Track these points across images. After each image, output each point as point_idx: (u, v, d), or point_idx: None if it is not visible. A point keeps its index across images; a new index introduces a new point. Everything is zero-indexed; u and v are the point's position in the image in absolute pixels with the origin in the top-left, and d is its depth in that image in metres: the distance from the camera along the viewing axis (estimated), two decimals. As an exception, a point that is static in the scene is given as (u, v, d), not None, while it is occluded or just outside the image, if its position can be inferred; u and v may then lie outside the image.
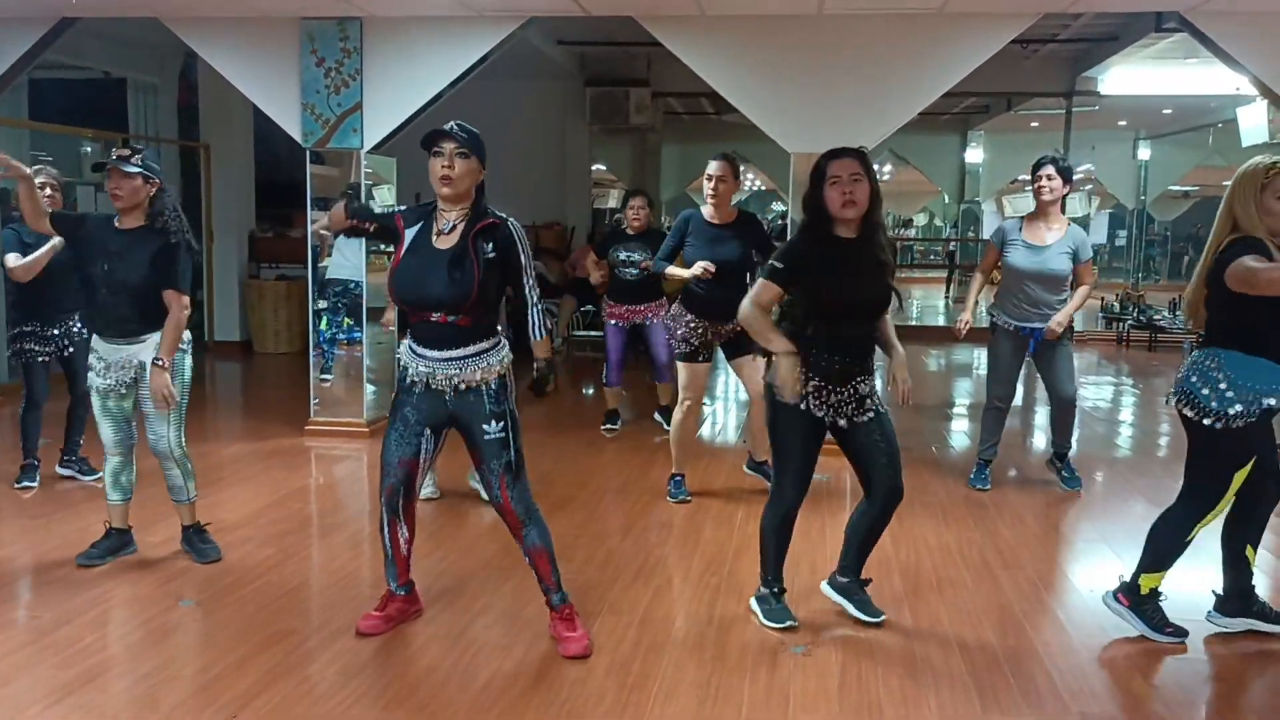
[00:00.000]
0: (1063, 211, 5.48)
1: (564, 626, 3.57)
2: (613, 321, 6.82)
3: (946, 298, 18.31)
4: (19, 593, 4.06)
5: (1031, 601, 4.08)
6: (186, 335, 4.20)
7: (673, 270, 5.43)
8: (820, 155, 3.49)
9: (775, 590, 3.78)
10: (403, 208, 3.61)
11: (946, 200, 20.96)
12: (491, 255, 3.37)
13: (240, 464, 6.08)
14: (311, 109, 6.56)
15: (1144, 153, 16.79)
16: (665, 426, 6.48)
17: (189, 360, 4.19)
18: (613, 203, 18.31)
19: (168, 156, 10.79)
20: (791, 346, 3.44)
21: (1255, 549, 3.75)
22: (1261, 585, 4.01)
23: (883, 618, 3.77)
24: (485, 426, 3.45)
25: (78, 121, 10.33)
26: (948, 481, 5.88)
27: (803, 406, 3.51)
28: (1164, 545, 3.69)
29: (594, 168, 16.53)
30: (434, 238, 3.42)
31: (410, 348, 3.51)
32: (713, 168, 5.13)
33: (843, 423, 3.54)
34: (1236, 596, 3.78)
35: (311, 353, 6.96)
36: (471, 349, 3.43)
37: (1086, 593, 4.22)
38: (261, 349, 10.32)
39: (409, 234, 3.46)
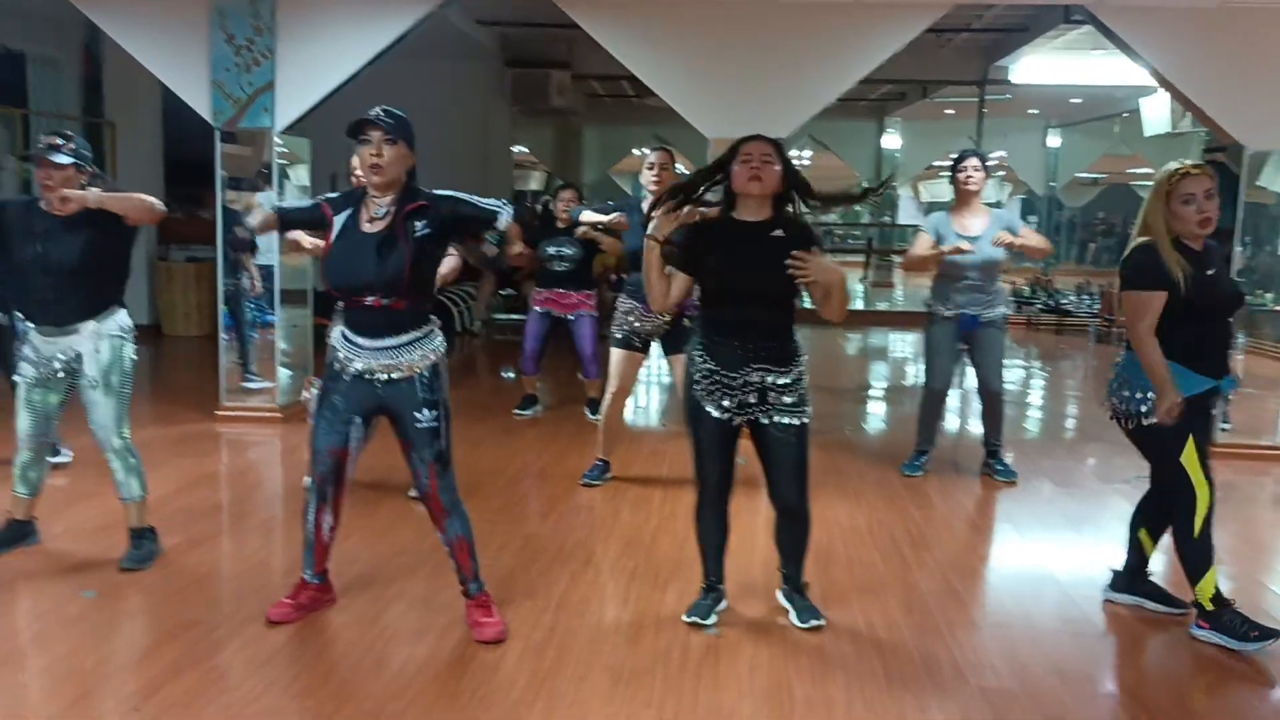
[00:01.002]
0: None
1: (480, 613, 3.57)
2: (537, 309, 6.79)
3: (863, 281, 18.58)
4: (-89, 586, 3.90)
5: (937, 580, 4.19)
6: (128, 322, 4.08)
7: (588, 215, 5.61)
8: (737, 139, 3.51)
9: (703, 586, 3.77)
10: (329, 195, 3.56)
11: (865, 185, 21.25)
12: (425, 233, 3.34)
13: (148, 450, 5.81)
14: (221, 87, 6.41)
15: (1053, 140, 17.23)
16: (592, 418, 6.49)
17: (130, 349, 4.05)
18: (534, 185, 18.24)
19: (71, 133, 10.44)
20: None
21: (1152, 535, 3.87)
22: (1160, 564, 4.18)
23: (815, 623, 3.63)
24: (417, 414, 3.43)
25: (-29, 95, 9.95)
26: (859, 463, 6.00)
27: (699, 398, 3.49)
28: (1187, 554, 3.63)
29: (516, 149, 16.43)
30: (364, 223, 3.38)
31: (343, 334, 3.46)
32: (653, 157, 5.21)
33: (753, 417, 3.48)
34: (1127, 574, 3.94)
35: (222, 336, 6.83)
36: (405, 337, 3.41)
37: (988, 571, 4.36)
38: (171, 332, 10.08)
39: (338, 221, 3.42)
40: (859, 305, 16.46)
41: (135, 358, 4.11)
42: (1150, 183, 3.64)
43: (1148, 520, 3.88)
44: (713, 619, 3.66)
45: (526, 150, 17.13)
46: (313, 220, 3.48)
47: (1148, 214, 3.57)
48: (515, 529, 4.68)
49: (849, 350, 11.79)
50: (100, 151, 10.17)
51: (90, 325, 3.93)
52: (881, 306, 16.45)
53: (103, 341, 3.95)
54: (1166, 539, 3.83)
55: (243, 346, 6.91)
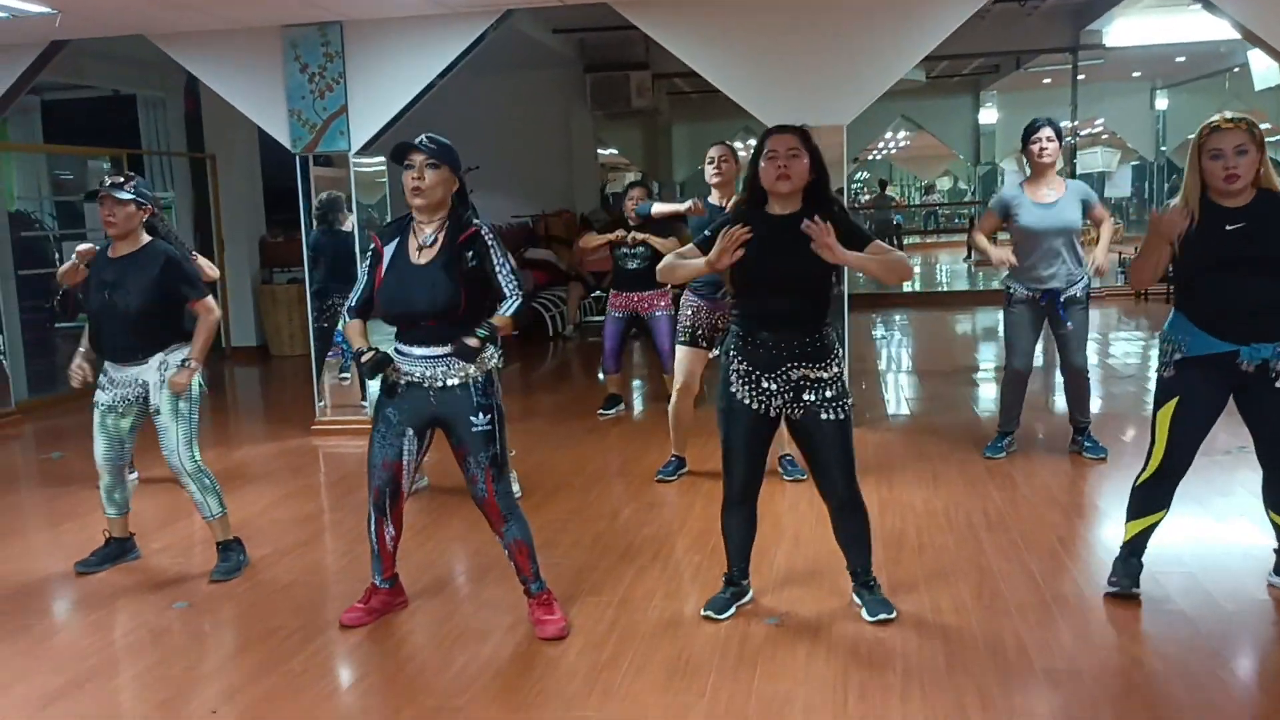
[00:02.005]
0: (1074, 174, 5.47)
1: (541, 611, 3.64)
2: (614, 313, 6.88)
3: (966, 261, 18.16)
4: (19, 601, 4.14)
5: (1011, 562, 4.09)
6: None
7: (659, 207, 5.91)
8: (763, 132, 3.50)
9: (724, 578, 3.78)
10: (380, 229, 3.70)
11: (969, 164, 20.78)
12: (474, 264, 3.46)
13: (246, 466, 6.21)
14: (298, 115, 6.67)
15: (1161, 102, 16.52)
16: None
17: (196, 378, 4.26)
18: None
19: (178, 169, 10.99)
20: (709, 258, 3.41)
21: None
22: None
23: (884, 616, 3.55)
24: (473, 419, 3.51)
25: (92, 140, 10.55)
26: (943, 447, 5.89)
27: (735, 393, 3.48)
28: (1130, 495, 3.75)
29: (608, 152, 16.57)
30: (414, 253, 3.50)
31: (396, 349, 3.58)
32: (713, 152, 5.35)
33: (791, 414, 3.46)
34: None
35: (314, 352, 7.09)
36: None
37: (1066, 552, 4.23)
38: (278, 352, 10.48)
39: (388, 251, 3.55)
40: (963, 285, 16.11)
41: (202, 387, 4.30)
42: (1275, 139, 3.55)
43: (1273, 501, 3.65)
44: (730, 613, 3.67)
45: (617, 152, 17.28)
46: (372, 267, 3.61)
47: (1187, 172, 3.48)
48: (588, 527, 4.75)
49: (955, 331, 11.60)
50: (203, 184, 10.70)
51: (158, 357, 4.16)
52: (995, 285, 16.01)
53: (169, 372, 4.16)
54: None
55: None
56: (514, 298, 3.53)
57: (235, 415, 8.37)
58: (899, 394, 8.00)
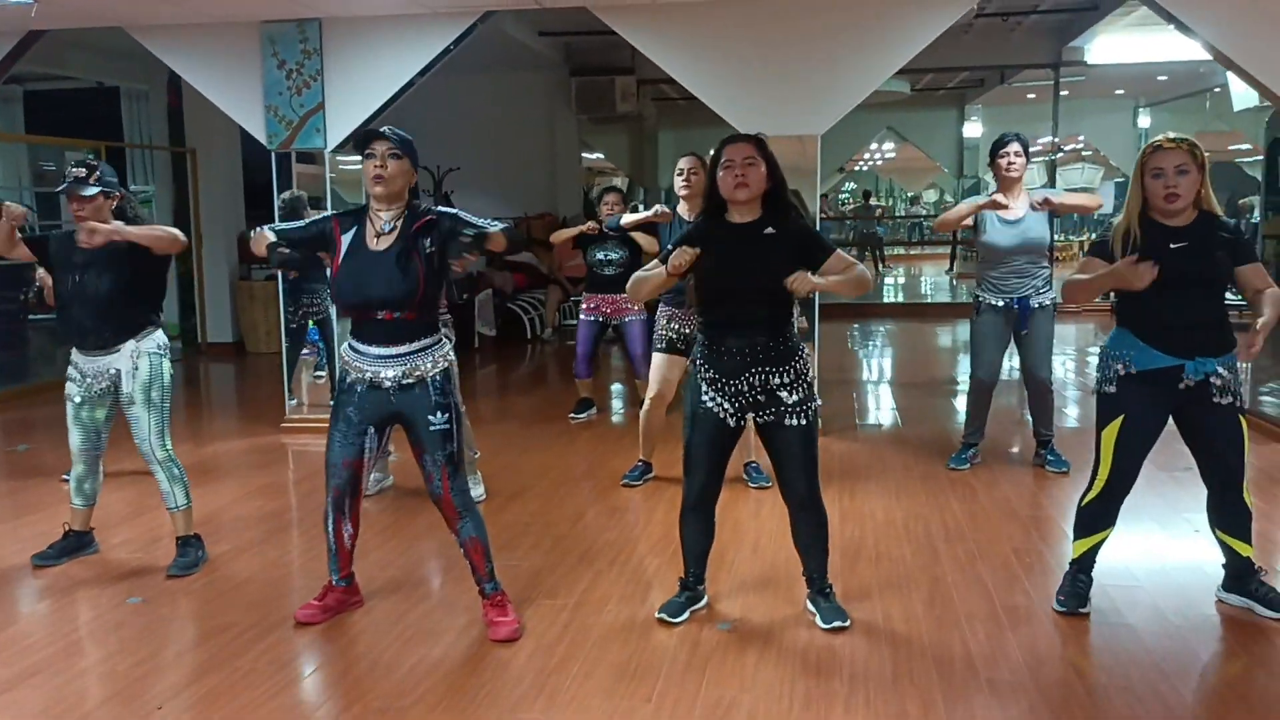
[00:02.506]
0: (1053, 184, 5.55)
1: (495, 612, 3.65)
2: (588, 316, 6.90)
3: (949, 274, 18.26)
4: (-23, 594, 4.13)
5: (965, 573, 4.12)
6: (165, 340, 4.30)
7: (628, 218, 5.96)
8: (719, 142, 3.53)
9: (680, 581, 3.79)
10: (340, 213, 3.71)
11: (954, 178, 20.88)
12: (431, 250, 3.46)
13: (214, 462, 6.20)
14: (274, 111, 6.67)
15: (1144, 120, 16.61)
16: None
17: (167, 365, 4.26)
18: (614, 191, 18.40)
19: (159, 162, 10.97)
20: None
21: (1230, 534, 3.67)
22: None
23: (838, 624, 3.58)
24: (430, 418, 3.53)
25: (75, 132, 10.51)
26: (907, 457, 5.92)
27: (703, 400, 3.51)
28: (1076, 513, 3.78)
29: (594, 157, 16.56)
30: (372, 240, 3.51)
31: (351, 346, 3.59)
32: (683, 163, 5.32)
33: (759, 417, 3.51)
34: (1230, 575, 3.76)
35: (285, 350, 7.09)
36: (416, 344, 3.52)
37: (1020, 564, 4.26)
38: (254, 349, 10.46)
39: (345, 239, 3.55)
40: (945, 298, 16.21)
41: (173, 374, 4.30)
42: (1255, 159, 3.59)
43: (1219, 520, 3.70)
44: (684, 617, 3.69)
45: (603, 157, 17.29)
46: (316, 237, 3.60)
47: (1130, 187, 3.53)
48: (548, 530, 4.75)
49: (934, 343, 11.65)
50: (184, 178, 10.67)
51: (129, 345, 4.15)
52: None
53: (141, 359, 4.15)
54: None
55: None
56: (496, 225, 3.48)
57: (208, 411, 8.36)
58: (872, 404, 8.03)
